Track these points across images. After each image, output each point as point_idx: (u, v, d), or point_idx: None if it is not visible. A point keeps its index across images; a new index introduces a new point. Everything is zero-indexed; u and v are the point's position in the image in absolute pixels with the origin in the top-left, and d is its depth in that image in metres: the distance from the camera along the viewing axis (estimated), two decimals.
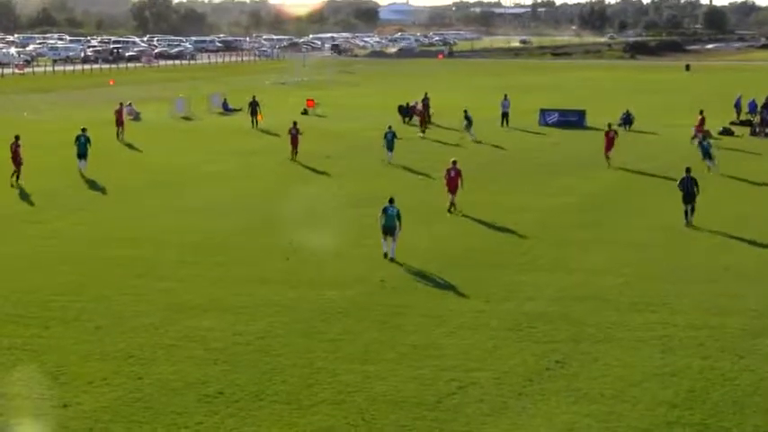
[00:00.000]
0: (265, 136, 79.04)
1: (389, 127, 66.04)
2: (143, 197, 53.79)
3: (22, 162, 56.29)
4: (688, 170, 48.12)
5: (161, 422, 24.53)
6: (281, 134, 74.59)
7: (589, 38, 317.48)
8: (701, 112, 74.68)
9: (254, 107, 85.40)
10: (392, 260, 40.10)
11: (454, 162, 50.23)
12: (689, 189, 47.33)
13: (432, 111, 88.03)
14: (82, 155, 60.43)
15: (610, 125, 65.10)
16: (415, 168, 61.62)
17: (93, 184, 56.77)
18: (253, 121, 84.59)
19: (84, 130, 62.09)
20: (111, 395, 26.22)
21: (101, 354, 29.29)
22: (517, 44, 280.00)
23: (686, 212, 47.29)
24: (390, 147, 64.07)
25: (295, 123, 67.77)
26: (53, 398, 25.98)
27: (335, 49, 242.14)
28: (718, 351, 29.60)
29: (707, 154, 61.02)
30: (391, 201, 41.25)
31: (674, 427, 24.29)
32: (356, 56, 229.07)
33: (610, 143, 62.65)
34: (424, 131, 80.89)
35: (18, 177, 56.02)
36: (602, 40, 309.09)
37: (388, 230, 40.70)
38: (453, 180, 49.44)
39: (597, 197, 53.91)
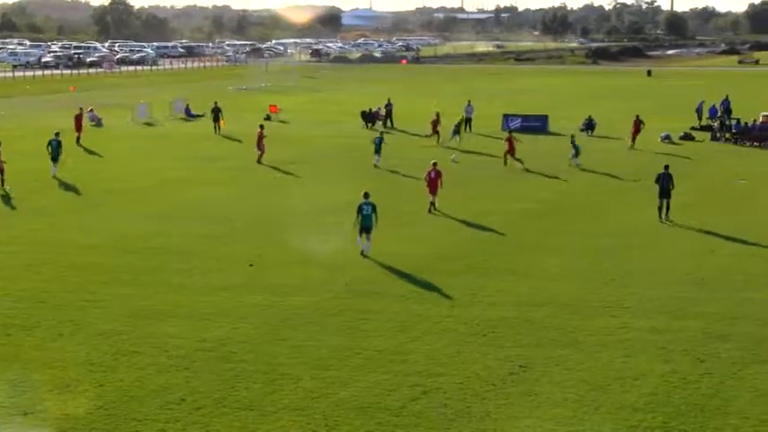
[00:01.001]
0: (228, 142, 78.96)
1: (380, 132, 66.32)
2: (105, 203, 53.63)
3: (3, 168, 56.32)
4: (666, 167, 49.54)
5: (123, 430, 24.45)
6: (243, 140, 74.79)
7: (555, 43, 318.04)
8: (637, 117, 75.58)
9: (216, 113, 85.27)
10: (366, 257, 41.06)
11: (434, 164, 51.37)
12: (665, 185, 48.67)
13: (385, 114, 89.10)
14: (54, 159, 61.18)
15: (511, 131, 65.57)
16: (380, 173, 61.67)
17: (54, 191, 56.59)
18: (215, 128, 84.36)
19: (57, 134, 63.11)
20: (72, 403, 26.10)
21: (62, 361, 29.18)
22: (483, 49, 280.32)
23: (660, 208, 48.75)
24: (378, 150, 64.55)
25: (262, 126, 68.25)
26: (13, 406, 25.84)
27: (316, 53, 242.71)
28: (680, 355, 29.76)
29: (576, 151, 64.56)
30: (366, 195, 41.87)
31: (635, 430, 24.40)
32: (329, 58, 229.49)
33: (511, 146, 63.46)
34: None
35: (2, 183, 56.09)
36: (571, 45, 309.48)
37: (365, 229, 41.44)
38: (434, 181, 50.53)
39: (559, 202, 54.11)
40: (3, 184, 56.16)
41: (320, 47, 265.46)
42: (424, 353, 29.99)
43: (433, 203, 50.65)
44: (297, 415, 25.34)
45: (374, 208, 41.54)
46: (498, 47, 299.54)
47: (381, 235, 42.46)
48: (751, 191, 57.24)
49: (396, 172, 62.06)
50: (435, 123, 78.54)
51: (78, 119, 76.34)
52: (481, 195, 55.35)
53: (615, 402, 26.13)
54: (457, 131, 76.03)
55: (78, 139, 74.37)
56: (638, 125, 75.57)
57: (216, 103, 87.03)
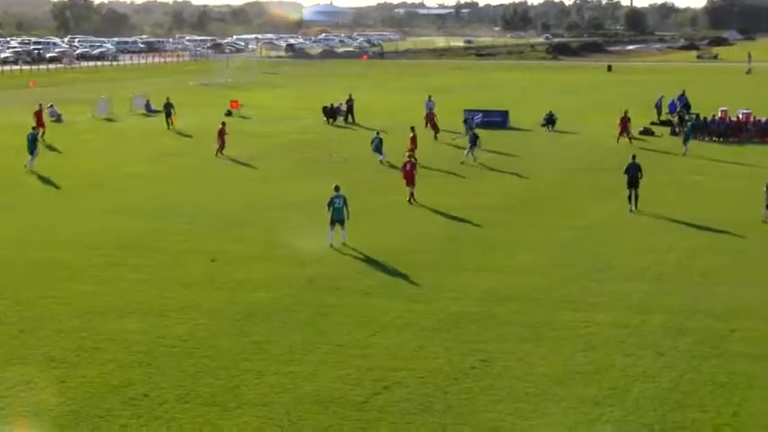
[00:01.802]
0: (188, 137, 78.69)
1: (377, 133, 66.43)
2: (66, 199, 53.51)
3: None
4: (634, 157, 51.16)
5: (85, 426, 24.40)
6: (203, 135, 74.79)
7: (516, 39, 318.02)
8: (625, 114, 75.56)
9: (168, 109, 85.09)
10: (344, 243, 41.93)
11: (409, 156, 52.90)
12: (633, 175, 49.87)
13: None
14: (31, 151, 62.25)
15: (413, 128, 65.54)
16: (342, 168, 61.67)
17: (14, 187, 56.35)
18: (167, 123, 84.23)
19: (33, 128, 66.20)
20: (33, 399, 26.03)
21: (23, 357, 29.09)
22: (443, 44, 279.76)
23: (630, 198, 49.82)
24: (379, 149, 64.85)
25: (224, 123, 68.57)
26: None
27: (290, 47, 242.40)
28: (640, 349, 29.91)
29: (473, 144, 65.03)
30: (337, 188, 42.51)
31: (596, 423, 24.53)
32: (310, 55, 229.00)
33: (413, 142, 63.53)
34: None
35: None
36: (536, 40, 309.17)
37: (338, 222, 42.09)
38: (410, 173, 51.54)
39: (524, 197, 54.18)
40: None
41: (294, 42, 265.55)
42: (386, 347, 30.03)
43: (412, 194, 51.53)
44: (259, 410, 25.36)
45: (345, 201, 42.21)
46: (468, 42, 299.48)
47: (337, 229, 42.67)
48: (708, 185, 57.51)
49: (356, 167, 62.03)
50: (430, 117, 79.32)
51: (38, 115, 76.01)
52: (446, 190, 55.39)
53: (576, 396, 26.25)
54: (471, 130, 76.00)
55: (41, 134, 74.05)
56: (624, 122, 75.63)
57: (168, 98, 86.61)
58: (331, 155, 66.19)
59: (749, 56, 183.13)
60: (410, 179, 51.59)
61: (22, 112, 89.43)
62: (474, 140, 64.66)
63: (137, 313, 33.20)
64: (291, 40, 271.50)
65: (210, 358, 29.08)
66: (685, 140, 70.60)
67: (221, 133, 67.71)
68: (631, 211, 49.74)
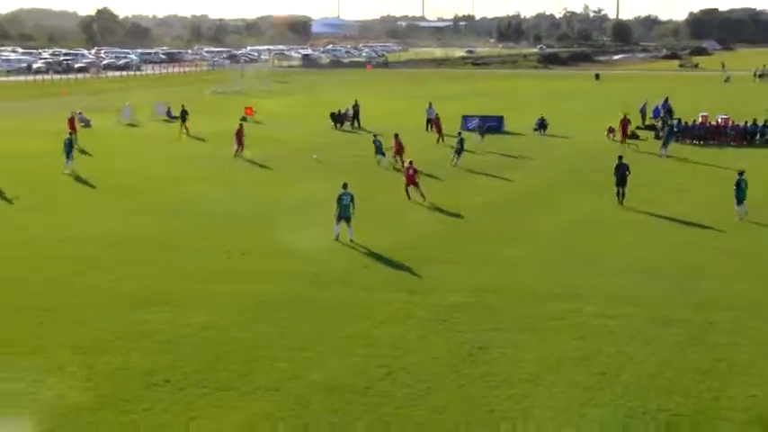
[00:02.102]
0: (206, 141, 78.69)
1: (375, 136, 66.39)
2: (93, 199, 53.58)
3: None
4: (620, 158, 52.08)
5: (110, 409, 24.37)
6: (219, 140, 74.86)
7: (510, 50, 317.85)
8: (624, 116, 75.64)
9: (183, 116, 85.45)
10: (351, 240, 41.99)
11: (410, 162, 53.06)
12: (622, 174, 50.87)
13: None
14: (68, 155, 62.14)
15: (396, 135, 65.26)
16: (351, 169, 61.60)
17: (47, 188, 56.35)
18: (182, 128, 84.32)
19: (70, 133, 65.72)
20: (63, 384, 26.02)
21: (52, 346, 29.05)
22: (440, 55, 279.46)
23: (618, 194, 50.77)
24: (379, 151, 64.74)
25: (242, 124, 68.96)
26: (11, 390, 25.73)
27: (306, 57, 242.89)
28: (627, 338, 29.85)
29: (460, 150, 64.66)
30: (345, 186, 42.89)
31: (586, 407, 24.46)
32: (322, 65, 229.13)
33: (399, 146, 63.58)
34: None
35: None
36: (530, 50, 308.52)
37: (344, 218, 42.27)
38: (412, 176, 51.82)
39: (518, 196, 54.16)
40: None
41: (309, 52, 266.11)
42: (389, 337, 29.98)
43: (422, 194, 51.57)
44: (272, 394, 25.32)
45: (352, 198, 42.55)
46: (469, 52, 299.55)
47: (343, 227, 42.70)
48: (690, 185, 57.46)
49: (359, 168, 61.96)
50: (436, 122, 79.48)
51: (71, 121, 76.26)
52: (443, 190, 55.31)
53: (567, 382, 26.18)
54: (482, 134, 75.76)
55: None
56: (625, 124, 75.74)
57: (183, 106, 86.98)
58: (315, 157, 65.85)
59: (722, 65, 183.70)
60: (413, 181, 51.73)
61: (54, 118, 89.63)
62: (461, 145, 64.43)
63: (158, 304, 33.18)
64: (304, 51, 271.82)
65: (227, 346, 29.05)
66: (664, 144, 70.52)
67: (239, 134, 68.15)
68: (620, 204, 50.43)
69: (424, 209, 49.73)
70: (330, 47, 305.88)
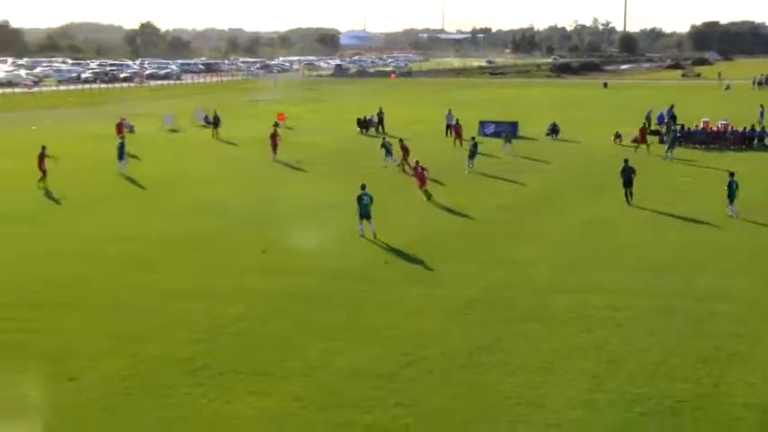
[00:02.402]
0: (242, 145, 78.80)
1: (384, 138, 66.46)
2: (139, 200, 53.80)
3: (46, 169, 56.47)
4: (626, 161, 52.15)
5: (153, 393, 24.52)
6: (253, 144, 75.12)
7: (528, 60, 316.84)
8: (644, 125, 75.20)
9: (216, 121, 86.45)
10: (374, 236, 42.25)
11: (417, 161, 53.15)
12: (628, 176, 51.03)
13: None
14: (120, 158, 62.67)
15: (401, 140, 65.40)
16: (373, 172, 61.65)
17: (96, 189, 56.58)
18: (213, 133, 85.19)
19: (122, 137, 66.69)
20: (110, 370, 26.20)
21: (102, 334, 29.26)
22: (458, 65, 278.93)
23: (626, 194, 51.03)
24: (388, 153, 64.68)
25: (276, 127, 69.11)
26: (61, 373, 25.93)
27: (338, 67, 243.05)
28: (633, 328, 29.83)
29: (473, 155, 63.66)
30: (363, 187, 43.13)
31: (594, 393, 24.47)
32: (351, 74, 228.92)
33: (405, 151, 63.07)
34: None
35: (42, 180, 56.16)
36: (545, 60, 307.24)
37: (366, 216, 42.47)
38: (421, 174, 51.85)
39: (530, 198, 54.05)
40: (44, 183, 56.17)
41: (341, 63, 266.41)
42: (412, 328, 30.05)
43: (426, 194, 51.63)
44: (303, 380, 25.41)
45: (371, 198, 42.82)
46: (489, 62, 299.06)
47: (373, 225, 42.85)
48: (693, 186, 57.29)
49: (381, 171, 61.97)
50: (456, 127, 79.11)
51: (119, 127, 76.42)
52: (459, 192, 55.31)
53: (577, 369, 26.19)
54: (509, 140, 75.24)
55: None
56: (644, 131, 75.55)
57: (215, 111, 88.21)
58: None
59: (719, 75, 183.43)
60: (423, 180, 51.81)
61: (101, 124, 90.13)
62: (475, 149, 63.94)
63: (198, 296, 33.33)
64: (333, 61, 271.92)
65: (261, 335, 29.17)
66: (670, 148, 70.34)
67: (273, 137, 68.38)
68: (629, 204, 50.54)
69: (442, 209, 49.67)
70: (356, 57, 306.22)
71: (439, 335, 29.38)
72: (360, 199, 42.71)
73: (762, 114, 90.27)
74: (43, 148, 57.67)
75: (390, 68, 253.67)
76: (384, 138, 67.54)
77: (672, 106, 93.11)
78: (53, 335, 29.24)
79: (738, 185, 47.56)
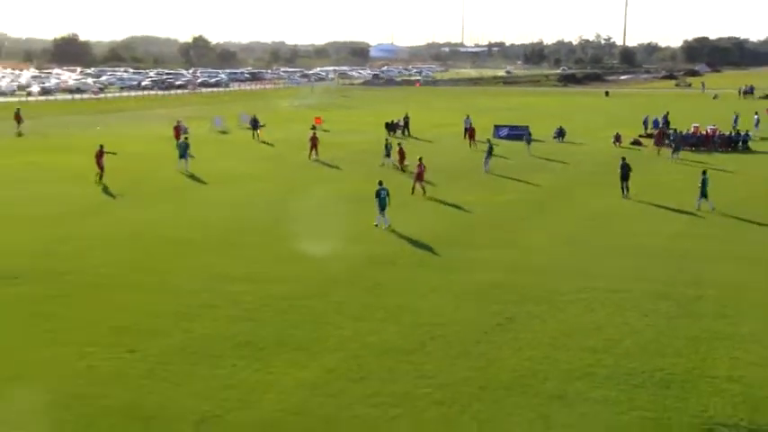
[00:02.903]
0: (283, 146, 78.91)
1: (386, 139, 66.47)
2: (193, 193, 53.99)
3: (104, 165, 56.75)
4: (623, 158, 53.52)
5: (204, 364, 24.70)
6: (293, 144, 75.33)
7: (538, 71, 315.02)
8: (660, 130, 75.02)
9: (255, 124, 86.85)
10: (388, 227, 42.45)
11: (420, 159, 53.32)
12: (625, 172, 52.03)
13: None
14: (182, 156, 62.54)
15: (399, 143, 65.07)
16: (396, 170, 61.75)
17: (154, 184, 56.87)
18: (254, 135, 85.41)
19: (186, 138, 66.60)
20: (166, 344, 26.39)
21: (159, 312, 29.46)
22: (475, 74, 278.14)
23: (623, 188, 51.75)
24: (388, 153, 64.50)
25: (315, 130, 69.33)
26: (123, 346, 26.15)
27: (377, 77, 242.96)
28: (629, 310, 29.82)
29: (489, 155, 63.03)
30: (380, 183, 43.66)
31: (594, 367, 24.49)
32: (388, 82, 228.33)
33: (402, 155, 62.24)
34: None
35: (101, 177, 56.37)
36: (554, 71, 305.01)
37: (383, 208, 42.82)
38: (421, 174, 52.35)
39: (536, 193, 54.02)
40: (101, 178, 56.35)
41: (378, 72, 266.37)
42: (432, 308, 30.13)
43: (423, 189, 52.01)
44: (336, 354, 25.54)
45: (387, 192, 43.20)
46: (508, 73, 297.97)
47: (393, 217, 42.99)
48: (683, 185, 57.07)
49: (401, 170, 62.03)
50: (471, 131, 78.68)
51: (177, 129, 76.57)
52: (474, 188, 55.33)
53: (579, 346, 26.23)
54: (528, 142, 75.01)
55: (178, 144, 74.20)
56: (660, 136, 75.45)
57: (255, 115, 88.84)
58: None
59: (702, 84, 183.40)
60: (420, 177, 52.32)
61: (158, 126, 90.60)
62: (490, 151, 63.54)
63: (245, 280, 33.48)
64: (376, 71, 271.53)
65: (299, 314, 29.29)
66: (675, 150, 70.20)
67: (313, 139, 68.47)
68: (625, 197, 51.19)
69: (456, 204, 49.66)
70: (385, 68, 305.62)
71: (456, 314, 29.46)
72: (377, 194, 43.03)
73: (757, 122, 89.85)
74: (101, 146, 58.08)
75: (421, 77, 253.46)
76: (387, 139, 67.32)
77: (667, 113, 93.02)
78: (116, 312, 29.47)
79: (708, 182, 47.72)
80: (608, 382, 23.49)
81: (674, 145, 71.91)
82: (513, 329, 27.88)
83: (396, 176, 58.03)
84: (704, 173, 48.48)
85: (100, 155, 57.18)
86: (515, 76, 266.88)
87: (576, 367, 24.54)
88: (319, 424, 20.95)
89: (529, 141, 74.32)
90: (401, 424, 21.00)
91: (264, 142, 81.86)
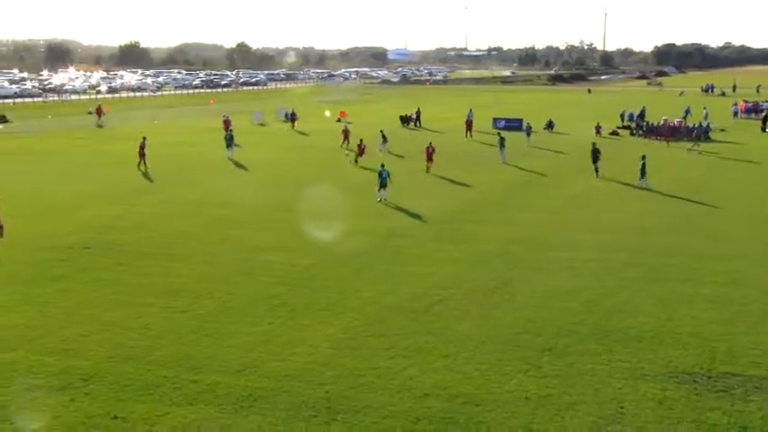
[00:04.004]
0: (312, 136, 78.94)
1: (381, 131, 66.18)
2: (233, 176, 54.00)
3: (146, 154, 56.07)
4: (594, 144, 55.11)
5: (244, 322, 24.68)
6: (322, 135, 75.31)
7: (531, 71, 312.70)
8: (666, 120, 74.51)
9: (293, 117, 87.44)
10: (385, 200, 43.38)
11: (430, 143, 55.66)
12: (595, 156, 52.79)
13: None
14: (229, 146, 62.03)
15: (381, 131, 64.52)
16: (412, 155, 61.50)
17: (199, 168, 56.84)
18: (292, 126, 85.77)
19: (230, 130, 65.58)
20: (212, 304, 26.38)
21: (206, 278, 29.43)
22: (473, 75, 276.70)
23: (596, 170, 52.48)
24: (384, 141, 64.19)
25: (346, 128, 69.16)
26: (176, 307, 26.15)
27: (404, 78, 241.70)
28: (606, 276, 29.66)
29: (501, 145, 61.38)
30: (383, 165, 44.62)
31: (578, 325, 24.37)
32: (419, 82, 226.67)
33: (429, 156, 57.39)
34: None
35: (143, 164, 55.80)
36: (545, 72, 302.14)
37: (383, 185, 43.71)
38: (430, 154, 54.40)
39: (529, 176, 53.83)
40: (143, 165, 55.51)
41: (404, 72, 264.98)
42: (440, 274, 30.02)
43: (428, 168, 53.82)
44: (357, 314, 25.46)
45: (388, 173, 44.12)
46: (513, 73, 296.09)
47: (405, 197, 42.92)
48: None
49: (416, 155, 61.74)
50: (469, 123, 77.91)
51: (226, 123, 76.17)
52: (474, 172, 55.12)
53: (564, 307, 26.11)
54: (528, 134, 73.02)
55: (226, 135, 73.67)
56: (670, 129, 74.69)
57: (293, 109, 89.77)
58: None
59: (660, 83, 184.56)
60: (429, 158, 54.28)
61: (207, 119, 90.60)
62: (502, 143, 61.84)
63: (279, 250, 33.42)
64: (379, 72, 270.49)
65: (325, 280, 29.23)
66: (694, 143, 69.54)
67: (345, 131, 68.52)
68: (598, 177, 51.64)
69: (460, 185, 49.59)
70: (400, 69, 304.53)
71: (460, 279, 29.34)
72: (379, 174, 43.86)
73: (706, 115, 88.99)
74: (144, 138, 57.56)
75: (439, 77, 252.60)
76: (382, 130, 66.83)
77: (644, 108, 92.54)
78: (169, 278, 29.47)
79: (646, 165, 49.06)
80: (590, 338, 23.37)
81: (694, 138, 71.54)
82: (509, 293, 27.75)
83: (396, 161, 57.96)
84: (643, 157, 49.47)
85: (142, 146, 56.33)
86: (511, 77, 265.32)
87: (562, 325, 24.42)
88: (344, 374, 20.90)
89: (529, 133, 73.29)
90: (413, 373, 20.94)
91: (301, 133, 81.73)
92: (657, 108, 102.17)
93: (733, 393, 19.81)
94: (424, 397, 19.56)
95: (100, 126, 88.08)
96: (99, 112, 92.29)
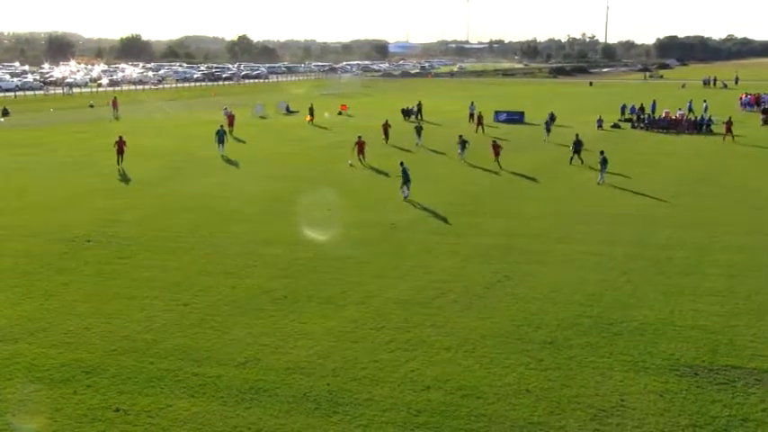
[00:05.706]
0: (314, 129, 78.92)
1: (384, 124, 66.11)
2: (236, 169, 53.89)
3: (123, 152, 53.81)
4: (577, 135, 56.67)
5: (247, 315, 24.69)
6: (323, 128, 75.04)
7: (533, 64, 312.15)
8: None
9: (311, 110, 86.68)
10: (406, 198, 42.38)
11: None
12: (578, 147, 55.36)
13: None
14: (220, 142, 59.72)
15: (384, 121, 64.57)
16: (410, 147, 61.49)
17: (201, 162, 56.79)
18: (310, 119, 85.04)
19: (222, 126, 62.85)
20: (214, 298, 26.38)
21: (208, 271, 29.45)
22: (480, 68, 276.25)
23: (579, 159, 54.26)
24: (387, 135, 63.96)
25: (361, 140, 68.48)
26: (178, 300, 26.16)
27: (423, 68, 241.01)
28: (609, 269, 29.66)
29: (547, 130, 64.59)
30: (402, 163, 43.93)
31: (580, 317, 24.38)
32: (434, 75, 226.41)
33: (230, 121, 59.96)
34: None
35: (120, 162, 53.63)
36: (546, 65, 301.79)
37: (406, 181, 42.69)
38: (496, 147, 54.22)
39: (531, 169, 53.70)
40: (120, 163, 53.38)
41: (425, 64, 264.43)
42: (442, 267, 30.02)
43: (498, 162, 53.60)
44: (359, 307, 25.46)
45: (408, 169, 43.10)
46: (526, 65, 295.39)
47: (412, 190, 42.72)
48: (654, 161, 56.77)
49: (419, 149, 61.74)
50: (479, 118, 77.47)
51: (230, 118, 75.07)
52: (478, 164, 55.07)
53: (567, 300, 26.09)
54: (548, 129, 71.74)
55: (231, 131, 73.09)
56: (729, 124, 73.26)
57: (311, 104, 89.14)
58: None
59: (649, 74, 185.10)
60: (497, 152, 53.83)
61: (208, 112, 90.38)
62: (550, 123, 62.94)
63: (281, 243, 33.43)
64: (380, 65, 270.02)
65: (328, 273, 29.22)
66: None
67: (360, 144, 58.24)
68: (579, 163, 53.89)
69: (464, 177, 49.56)
70: (402, 62, 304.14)
71: (462, 272, 29.33)
72: (403, 171, 42.84)
73: (706, 108, 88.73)
74: (120, 136, 55.01)
75: (427, 69, 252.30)
76: (384, 123, 66.55)
77: (654, 101, 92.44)
78: (171, 272, 29.47)
79: (608, 160, 48.18)
80: (592, 331, 23.37)
81: (646, 127, 71.56)
82: (511, 286, 27.74)
83: (428, 156, 57.84)
84: (602, 153, 48.36)
85: (120, 143, 53.98)
86: (513, 69, 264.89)
87: (564, 317, 24.42)
88: (345, 366, 20.91)
89: (549, 130, 70.67)
90: (415, 366, 20.95)
91: (317, 125, 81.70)
92: (658, 101, 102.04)
93: (734, 386, 19.83)
94: (426, 390, 19.58)
95: (116, 118, 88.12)
96: (114, 104, 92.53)
